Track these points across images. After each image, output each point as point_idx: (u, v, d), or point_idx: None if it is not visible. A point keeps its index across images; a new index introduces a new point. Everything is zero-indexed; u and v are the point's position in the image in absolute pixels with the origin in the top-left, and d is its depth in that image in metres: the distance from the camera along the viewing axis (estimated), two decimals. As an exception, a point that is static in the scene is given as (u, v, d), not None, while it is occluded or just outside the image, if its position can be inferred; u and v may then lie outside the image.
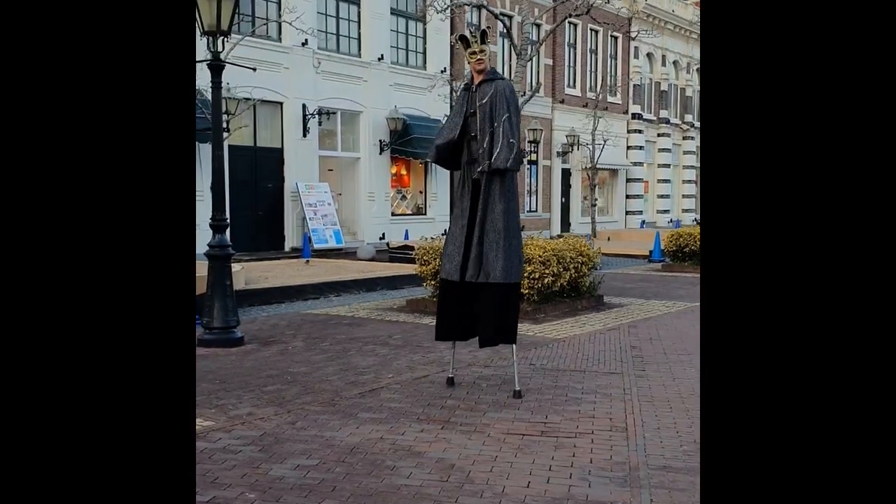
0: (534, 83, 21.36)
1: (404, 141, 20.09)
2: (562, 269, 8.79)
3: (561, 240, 9.52)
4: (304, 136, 18.29)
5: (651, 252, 17.58)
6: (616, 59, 29.87)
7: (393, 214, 21.10)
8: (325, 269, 13.73)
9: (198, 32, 6.69)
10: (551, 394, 5.28)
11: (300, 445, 4.17)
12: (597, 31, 28.53)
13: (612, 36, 29.30)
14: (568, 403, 5.03)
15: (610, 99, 28.26)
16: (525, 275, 8.40)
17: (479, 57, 5.30)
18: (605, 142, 23.94)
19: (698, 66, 33.71)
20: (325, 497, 3.44)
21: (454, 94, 20.10)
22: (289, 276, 12.17)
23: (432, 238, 11.04)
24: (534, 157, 25.94)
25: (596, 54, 28.70)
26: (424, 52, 21.71)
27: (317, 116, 18.42)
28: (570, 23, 26.12)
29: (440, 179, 22.24)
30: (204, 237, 7.70)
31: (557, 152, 26.85)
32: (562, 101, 26.90)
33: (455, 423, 4.59)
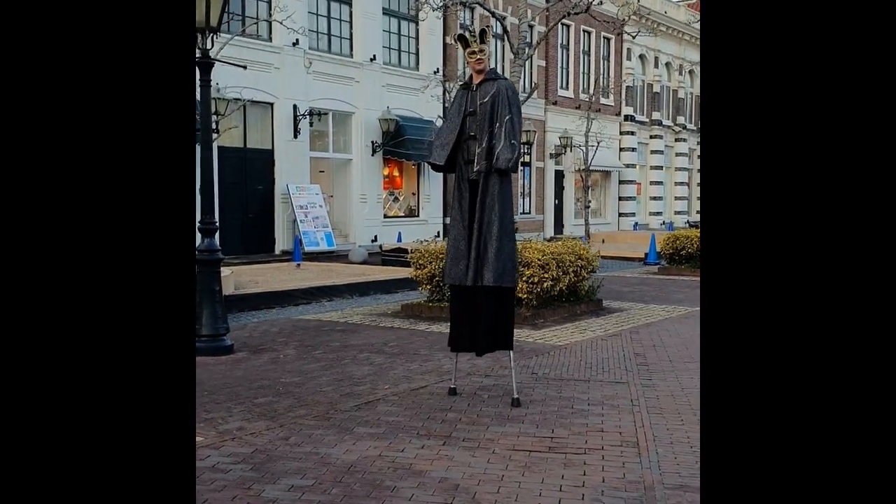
0: (528, 84, 21.20)
1: (397, 142, 19.85)
2: (561, 273, 8.58)
3: (559, 243, 9.31)
4: (295, 137, 18.02)
5: (646, 254, 17.40)
6: (609, 60, 29.74)
7: (385, 216, 20.86)
8: (317, 272, 13.47)
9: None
10: (556, 405, 5.05)
11: (294, 464, 3.92)
12: (590, 33, 28.38)
13: (604, 38, 29.17)
14: (574, 416, 4.80)
15: (603, 101, 28.11)
16: (524, 279, 8.18)
17: (478, 56, 5.12)
18: (598, 143, 23.76)
19: (691, 68, 33.72)
20: (321, 523, 3.20)
21: (447, 95, 19.88)
22: (279, 281, 11.91)
23: (426, 241, 10.81)
24: (527, 158, 25.75)
25: (589, 56, 28.56)
26: (417, 53, 21.49)
27: (308, 117, 18.16)
28: (563, 24, 25.96)
29: (433, 181, 22.01)
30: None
31: (550, 154, 26.67)
32: (555, 103, 26.73)
33: (457, 439, 4.35)
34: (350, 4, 19.52)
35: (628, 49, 30.34)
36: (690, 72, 34.68)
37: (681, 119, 34.49)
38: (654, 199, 33.15)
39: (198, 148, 7.89)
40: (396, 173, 21.72)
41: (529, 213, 26.16)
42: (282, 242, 17.88)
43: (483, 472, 3.79)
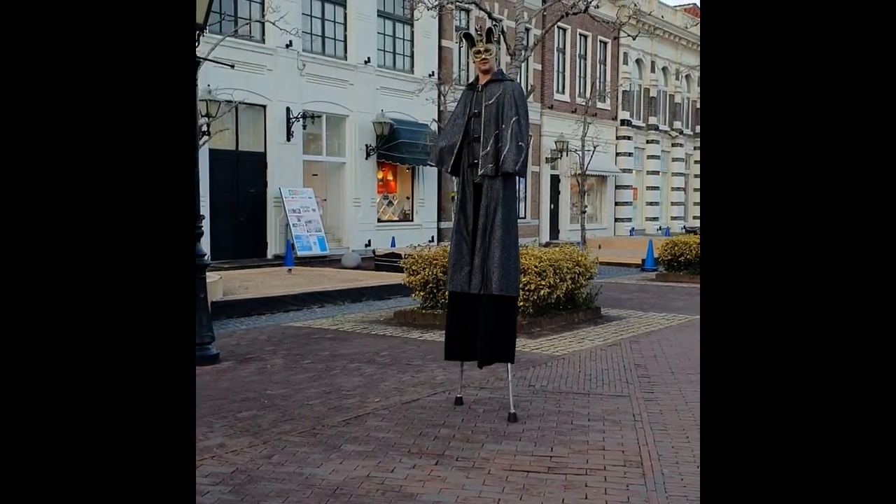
0: (524, 88, 21.00)
1: (391, 146, 19.61)
2: (558, 280, 8.34)
3: (557, 249, 9.07)
4: (288, 140, 17.77)
5: (644, 261, 17.19)
6: (605, 64, 29.57)
7: (379, 221, 20.60)
8: (309, 278, 13.21)
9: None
10: (555, 420, 4.81)
11: (276, 485, 3.67)
12: (586, 37, 28.21)
13: (601, 41, 29.00)
14: (574, 432, 4.56)
15: (599, 105, 27.92)
16: (520, 286, 7.94)
17: (483, 56, 4.97)
18: (594, 148, 23.56)
19: (688, 73, 33.57)
20: (302, 555, 2.94)
21: (442, 98, 19.67)
22: (270, 286, 11.64)
23: (420, 246, 10.57)
24: (522, 163, 25.51)
25: (585, 60, 28.39)
26: (412, 56, 21.26)
27: (301, 120, 17.91)
28: (559, 27, 25.79)
29: (427, 185, 21.78)
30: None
31: (546, 158, 26.45)
32: (551, 107, 26.54)
33: (450, 458, 4.10)
34: (344, 6, 19.29)
35: (625, 53, 30.18)
36: (687, 76, 34.53)
37: (677, 124, 34.34)
38: (651, 204, 32.97)
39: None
40: (390, 177, 21.48)
41: (525, 217, 25.94)
42: (274, 247, 17.61)
43: (478, 496, 3.54)
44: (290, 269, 14.81)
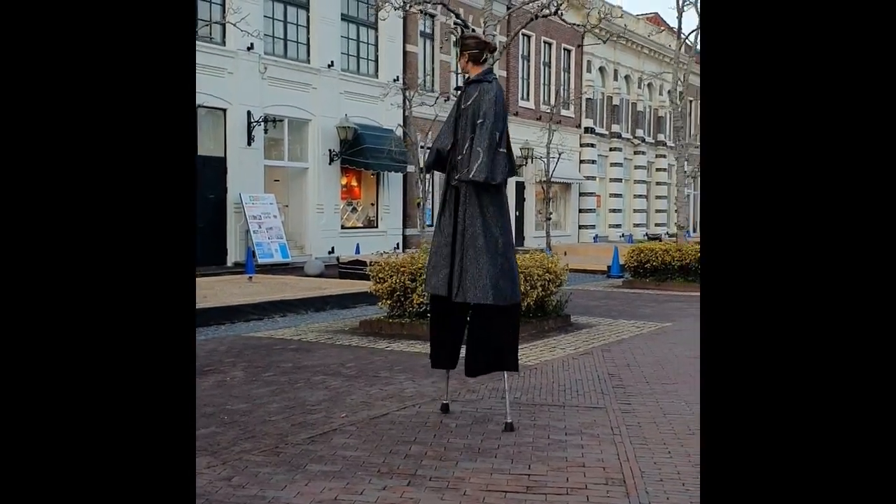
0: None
1: (355, 151, 19.33)
2: (529, 288, 8.15)
3: (527, 255, 8.89)
4: (249, 144, 17.38)
5: (609, 267, 17.15)
6: (569, 72, 29.66)
7: (343, 227, 20.28)
8: (270, 286, 12.85)
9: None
10: (531, 435, 4.60)
11: (235, 512, 3.39)
12: (550, 44, 28.27)
13: (565, 49, 29.09)
14: (552, 448, 4.35)
15: (563, 112, 27.98)
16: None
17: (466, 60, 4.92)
18: (559, 155, 23.55)
19: (650, 81, 33.87)
20: (264, 592, 2.68)
21: (408, 103, 19.45)
22: (230, 295, 11.27)
23: (387, 253, 10.32)
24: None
25: (549, 67, 28.43)
26: (376, 60, 21.02)
27: (262, 124, 17.54)
28: (523, 34, 25.76)
29: (392, 191, 21.52)
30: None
31: (511, 165, 26.37)
32: (516, 114, 26.49)
33: (423, 478, 3.86)
34: (307, 9, 18.99)
35: (588, 61, 30.31)
36: (649, 85, 34.82)
37: (639, 132, 34.59)
38: (614, 211, 33.13)
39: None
40: (354, 183, 21.18)
41: (490, 224, 25.79)
42: (234, 254, 17.18)
43: (454, 521, 3.31)
44: (250, 277, 14.42)
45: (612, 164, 32.70)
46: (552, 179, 24.02)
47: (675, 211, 37.18)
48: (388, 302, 8.59)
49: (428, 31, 22.76)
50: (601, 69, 31.64)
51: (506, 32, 22.49)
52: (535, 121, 26.64)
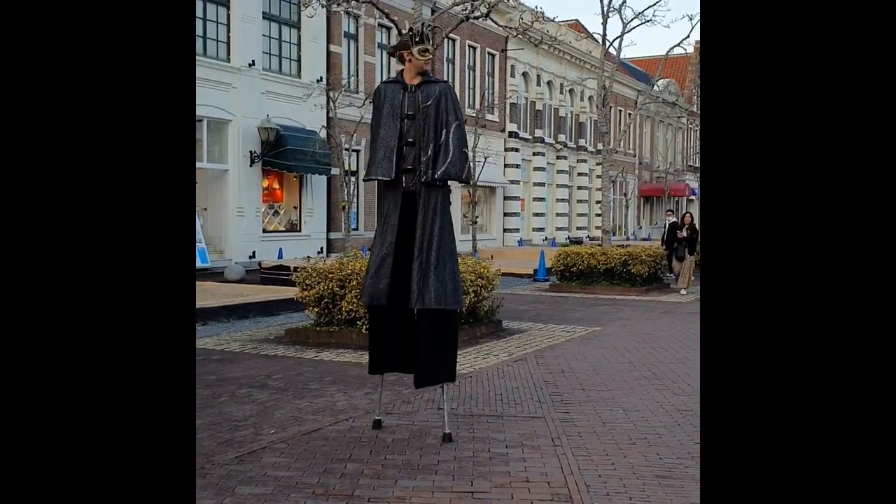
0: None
1: (277, 152, 18.83)
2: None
3: (459, 260, 8.73)
4: (166, 145, 16.68)
5: (536, 271, 17.23)
6: (493, 76, 29.80)
7: (264, 231, 19.73)
8: (190, 292, 12.31)
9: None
10: (471, 448, 4.44)
11: (157, 545, 3.10)
12: (475, 48, 28.33)
13: (489, 53, 29.21)
14: (493, 462, 4.20)
15: (488, 116, 28.08)
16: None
17: (428, 56, 4.66)
18: (485, 159, 23.58)
19: (571, 87, 34.37)
20: None
21: (332, 104, 19.04)
22: (147, 302, 10.72)
23: (313, 258, 10.01)
24: (412, 172, 25.23)
25: (474, 71, 28.48)
26: (299, 60, 20.56)
27: (180, 124, 16.87)
28: (449, 38, 25.70)
29: (316, 194, 21.08)
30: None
31: (436, 168, 26.26)
32: (440, 117, 26.38)
33: (361, 498, 3.64)
34: (227, 7, 18.41)
35: (512, 66, 30.53)
36: (570, 91, 35.35)
37: (562, 137, 35.07)
38: (537, 215, 33.47)
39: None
40: (276, 186, 20.65)
41: (415, 228, 25.62)
42: (150, 259, 16.46)
43: (397, 546, 3.11)
44: (168, 283, 13.80)
45: (536, 169, 33.03)
46: (478, 183, 24.00)
47: (598, 215, 37.88)
48: (316, 309, 8.30)
49: (352, 31, 22.43)
50: (524, 74, 31.92)
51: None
52: (459, 124, 26.62)
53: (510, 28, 13.35)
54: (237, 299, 11.21)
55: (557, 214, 35.57)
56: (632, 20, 16.56)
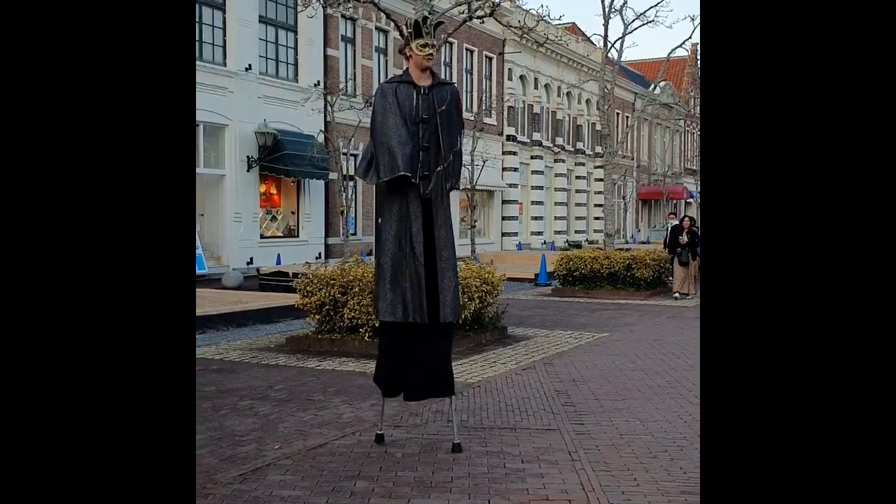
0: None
1: (274, 157, 18.62)
2: (466, 300, 7.81)
3: (462, 265, 8.55)
4: (162, 150, 16.47)
5: (537, 275, 17.04)
6: (491, 80, 29.65)
7: (262, 237, 19.51)
8: (187, 299, 12.09)
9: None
10: (485, 463, 4.24)
11: (158, 575, 2.89)
12: (472, 51, 28.18)
13: (486, 56, 29.06)
14: (510, 479, 4.00)
15: (486, 120, 27.91)
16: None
17: (430, 51, 4.37)
18: (483, 163, 23.40)
19: (568, 90, 34.25)
20: None
21: (329, 108, 18.86)
22: (143, 310, 10.50)
23: (312, 264, 9.80)
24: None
25: (471, 74, 28.32)
26: (296, 64, 20.36)
27: (176, 129, 16.67)
28: (446, 42, 25.54)
29: (314, 199, 20.87)
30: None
31: (434, 173, 26.07)
32: (438, 121, 26.22)
33: (374, 520, 3.45)
34: (223, 10, 18.21)
35: (509, 69, 30.39)
36: (568, 93, 35.22)
37: (559, 140, 34.92)
38: (535, 218, 33.28)
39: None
40: (274, 191, 20.43)
41: (413, 232, 25.41)
42: (146, 265, 16.24)
43: (415, 574, 2.91)
44: (165, 290, 13.59)
45: (534, 172, 32.85)
46: (476, 187, 23.83)
47: (596, 218, 37.71)
48: (317, 317, 8.10)
49: (349, 35, 22.26)
50: (522, 77, 31.77)
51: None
52: (457, 128, 26.44)
53: (513, 28, 13.16)
54: (236, 307, 10.99)
55: (556, 218, 35.39)
56: (633, 21, 16.38)
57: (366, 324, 7.51)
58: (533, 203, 33.07)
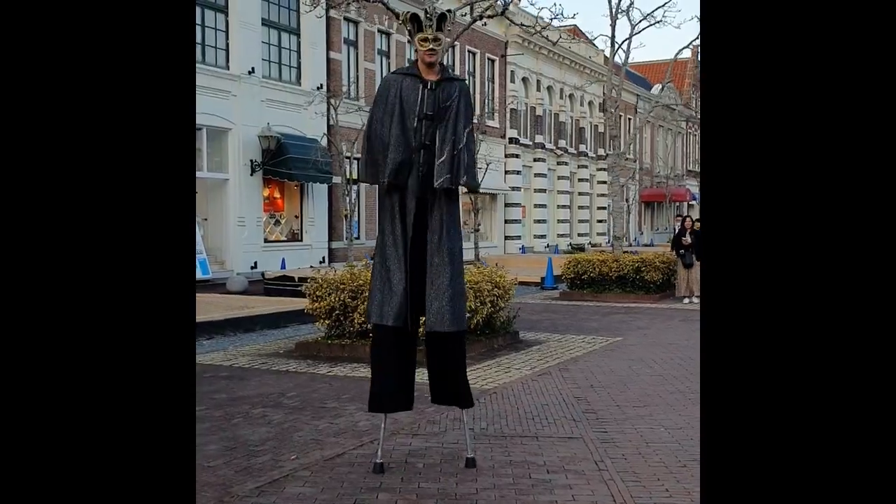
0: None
1: (278, 161, 18.51)
2: (479, 304, 7.68)
3: (475, 269, 8.42)
4: (165, 154, 16.35)
5: (543, 279, 16.90)
6: (493, 82, 29.55)
7: (266, 241, 19.38)
8: (192, 304, 11.96)
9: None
10: (510, 475, 4.10)
11: None
12: (474, 54, 28.09)
13: (489, 59, 28.97)
14: (537, 490, 3.86)
15: (489, 122, 27.80)
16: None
17: (431, 46, 4.11)
18: (486, 166, 23.27)
19: (571, 92, 34.14)
20: None
21: (332, 112, 18.75)
22: (149, 316, 10.37)
23: (318, 268, 9.68)
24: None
25: (474, 77, 28.22)
26: (299, 67, 20.26)
27: (179, 133, 16.55)
28: (451, 45, 25.45)
29: (318, 203, 20.76)
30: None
31: (437, 176, 25.94)
32: (441, 124, 26.10)
33: (400, 536, 3.31)
34: (226, 13, 18.11)
35: (512, 71, 30.29)
36: (570, 96, 35.12)
37: (562, 143, 34.82)
38: (538, 221, 33.16)
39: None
40: (277, 195, 20.32)
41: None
42: (150, 270, 16.10)
43: None
44: (169, 295, 13.45)
45: (537, 175, 32.74)
46: (479, 190, 23.69)
47: (599, 221, 37.55)
48: (327, 322, 7.96)
49: (352, 38, 22.15)
50: (524, 79, 31.67)
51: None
52: (460, 131, 26.32)
53: (525, 25, 13.04)
54: (242, 312, 10.86)
55: (559, 221, 35.27)
56: (640, 21, 16.25)
57: (377, 329, 7.37)
58: (536, 206, 32.95)
